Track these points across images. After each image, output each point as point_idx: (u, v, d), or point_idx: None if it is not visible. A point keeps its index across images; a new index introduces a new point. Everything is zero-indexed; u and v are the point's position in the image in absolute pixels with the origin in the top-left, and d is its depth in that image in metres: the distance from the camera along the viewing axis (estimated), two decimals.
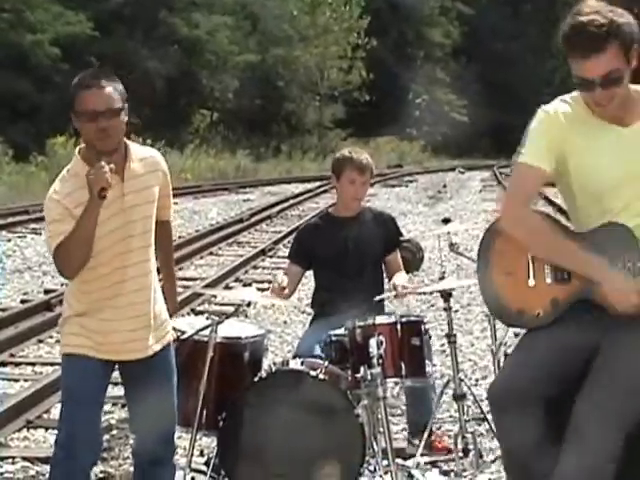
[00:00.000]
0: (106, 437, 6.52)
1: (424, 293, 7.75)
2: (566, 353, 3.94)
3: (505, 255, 4.06)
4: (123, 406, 6.97)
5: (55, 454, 4.58)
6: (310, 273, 6.38)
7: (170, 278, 5.11)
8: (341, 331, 5.58)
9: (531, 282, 3.99)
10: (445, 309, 6.12)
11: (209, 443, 5.78)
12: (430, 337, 5.99)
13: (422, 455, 5.80)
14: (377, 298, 5.87)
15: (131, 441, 6.10)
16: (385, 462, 5.22)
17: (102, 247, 4.48)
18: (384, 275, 6.38)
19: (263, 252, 15.65)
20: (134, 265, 4.59)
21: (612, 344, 3.87)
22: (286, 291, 5.97)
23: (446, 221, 6.96)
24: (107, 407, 6.82)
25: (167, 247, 5.02)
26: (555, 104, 3.99)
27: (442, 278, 6.49)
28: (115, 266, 4.54)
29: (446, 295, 6.10)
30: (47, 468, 4.87)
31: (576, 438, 3.80)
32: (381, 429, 5.26)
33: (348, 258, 6.15)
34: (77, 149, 4.57)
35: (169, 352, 4.78)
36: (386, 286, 6.38)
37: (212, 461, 5.27)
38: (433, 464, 5.92)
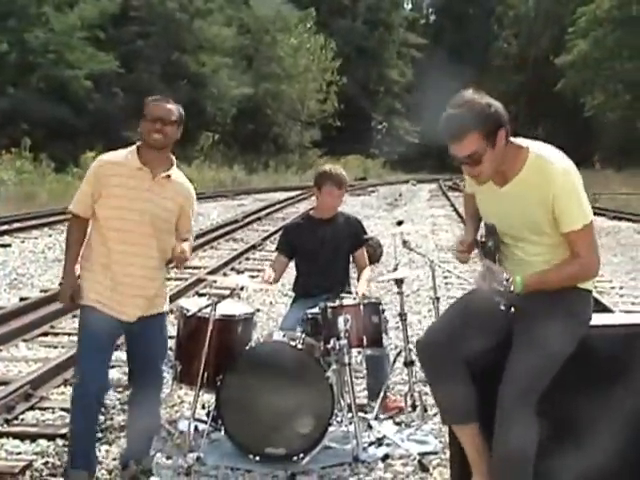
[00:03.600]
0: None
1: (382, 281, 7.77)
2: (480, 320, 4.01)
3: None
4: None
5: (74, 385, 4.72)
6: (293, 263, 6.40)
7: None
8: (316, 310, 5.61)
9: None
10: (398, 293, 6.15)
11: (209, 399, 5.78)
12: (386, 317, 6.01)
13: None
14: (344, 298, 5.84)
15: None
16: (349, 415, 5.26)
17: (128, 224, 4.59)
18: (350, 266, 6.40)
19: (254, 247, 15.64)
20: (141, 246, 4.64)
21: (521, 335, 3.93)
22: (273, 280, 6.01)
23: (400, 223, 6.92)
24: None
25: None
26: None
27: (396, 269, 6.51)
28: (125, 240, 4.61)
29: (399, 282, 6.12)
30: None
31: (503, 417, 3.86)
32: (347, 389, 5.30)
33: (323, 251, 6.16)
34: (136, 145, 4.70)
35: (161, 319, 4.85)
36: (352, 274, 6.40)
37: (211, 413, 5.29)
38: (388, 417, 5.94)
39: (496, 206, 3.96)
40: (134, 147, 4.70)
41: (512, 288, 3.80)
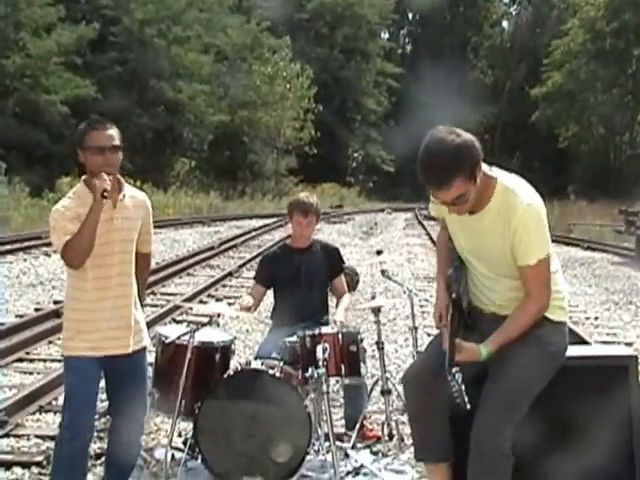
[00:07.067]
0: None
1: (360, 309, 7.78)
2: None
3: None
4: None
5: (61, 435, 4.58)
6: (270, 290, 6.41)
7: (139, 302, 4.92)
8: (294, 338, 5.62)
9: None
10: (375, 322, 6.17)
11: (186, 426, 5.76)
12: (363, 347, 6.02)
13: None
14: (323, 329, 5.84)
15: None
16: (327, 444, 5.26)
17: (107, 259, 4.49)
18: (329, 294, 6.42)
19: (230, 274, 15.62)
20: (116, 276, 4.55)
21: (495, 367, 3.94)
22: (251, 309, 6.03)
23: (379, 252, 6.97)
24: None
25: (142, 277, 4.83)
26: None
27: (373, 297, 6.54)
28: (100, 275, 4.50)
29: (376, 311, 6.15)
30: None
31: (478, 450, 3.87)
32: (324, 417, 5.30)
33: (300, 280, 6.18)
34: (83, 178, 4.55)
35: (144, 354, 4.76)
36: (331, 302, 6.42)
37: (189, 441, 5.28)
38: (365, 446, 5.95)
39: (467, 234, 3.99)
40: (81, 184, 4.53)
41: (461, 381, 3.72)
